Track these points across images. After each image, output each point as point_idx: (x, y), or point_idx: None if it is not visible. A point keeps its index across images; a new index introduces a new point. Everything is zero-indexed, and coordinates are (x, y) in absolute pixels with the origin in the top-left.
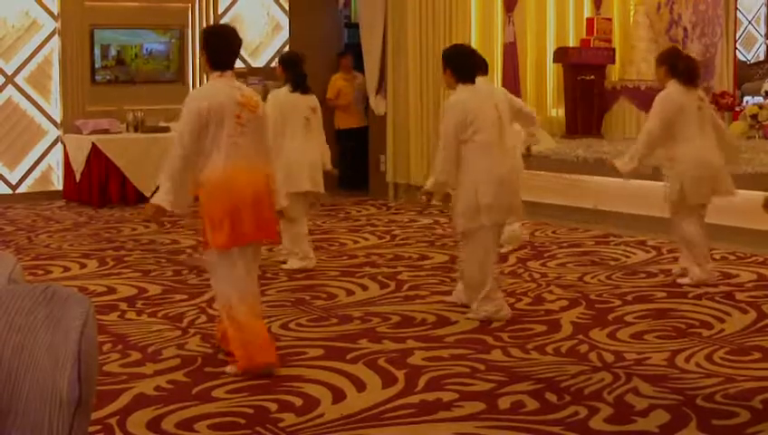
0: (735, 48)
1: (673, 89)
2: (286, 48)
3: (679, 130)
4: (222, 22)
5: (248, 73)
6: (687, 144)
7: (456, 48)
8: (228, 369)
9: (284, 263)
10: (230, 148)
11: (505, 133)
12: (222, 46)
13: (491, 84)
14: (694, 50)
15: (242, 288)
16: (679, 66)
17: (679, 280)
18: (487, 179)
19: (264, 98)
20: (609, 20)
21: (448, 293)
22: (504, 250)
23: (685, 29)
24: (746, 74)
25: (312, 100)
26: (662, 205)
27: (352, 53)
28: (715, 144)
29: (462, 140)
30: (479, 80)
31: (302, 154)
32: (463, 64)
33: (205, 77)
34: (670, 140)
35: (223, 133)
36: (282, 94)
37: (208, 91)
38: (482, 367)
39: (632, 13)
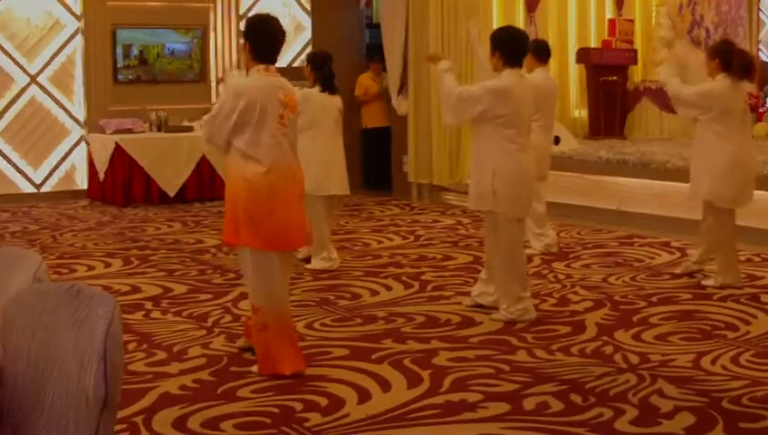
0: (758, 49)
1: (723, 84)
2: (308, 48)
3: (717, 127)
4: (243, 22)
5: None
6: (726, 143)
7: (506, 30)
8: (255, 368)
9: (308, 262)
10: (274, 149)
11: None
12: (268, 36)
13: (548, 73)
14: None
15: (274, 290)
16: (734, 62)
17: (704, 282)
18: (506, 170)
19: None
20: (631, 21)
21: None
22: (529, 251)
23: (707, 30)
24: None
25: (339, 100)
26: (687, 205)
27: (381, 58)
28: (753, 147)
29: (488, 121)
30: (538, 71)
31: (332, 156)
32: (512, 47)
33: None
34: (709, 136)
35: (265, 133)
36: (314, 95)
37: (251, 85)
38: (507, 368)
39: (654, 14)
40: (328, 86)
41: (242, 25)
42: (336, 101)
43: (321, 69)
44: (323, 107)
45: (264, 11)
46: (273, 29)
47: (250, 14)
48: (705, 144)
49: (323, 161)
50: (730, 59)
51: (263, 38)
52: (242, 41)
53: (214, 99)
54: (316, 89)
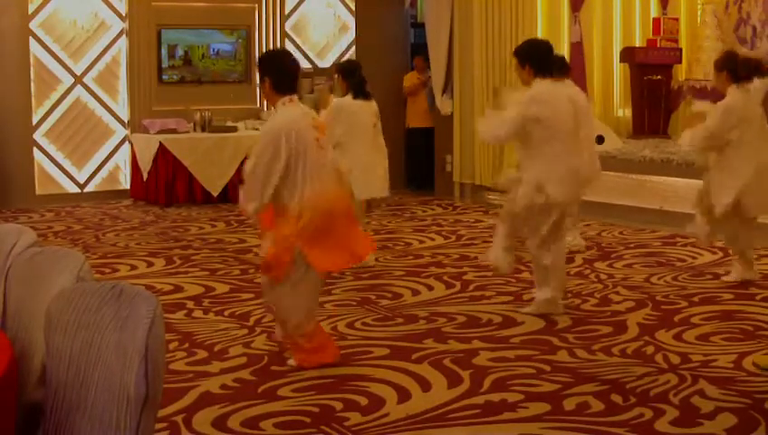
0: None
1: (735, 96)
2: (353, 48)
3: (741, 137)
4: (288, 22)
5: (314, 74)
6: (750, 150)
7: (534, 43)
8: (292, 362)
9: None
10: (321, 172)
11: (581, 127)
12: (287, 69)
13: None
14: (763, 48)
15: (311, 306)
16: (740, 72)
17: (724, 277)
18: (558, 170)
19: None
20: (676, 20)
21: (515, 293)
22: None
23: (753, 27)
24: None
25: (375, 105)
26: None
27: (424, 54)
28: None
29: (534, 129)
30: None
31: (372, 160)
32: (542, 58)
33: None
34: (730, 146)
35: (309, 160)
36: (347, 102)
37: (286, 120)
38: (547, 368)
39: (699, 12)
40: (361, 92)
41: (286, 25)
42: (372, 107)
43: (351, 77)
44: (357, 114)
45: (309, 11)
46: (289, 61)
47: (290, 18)
48: (729, 158)
49: (362, 167)
50: (735, 69)
51: (281, 71)
52: (258, 79)
53: (258, 100)
54: (348, 97)
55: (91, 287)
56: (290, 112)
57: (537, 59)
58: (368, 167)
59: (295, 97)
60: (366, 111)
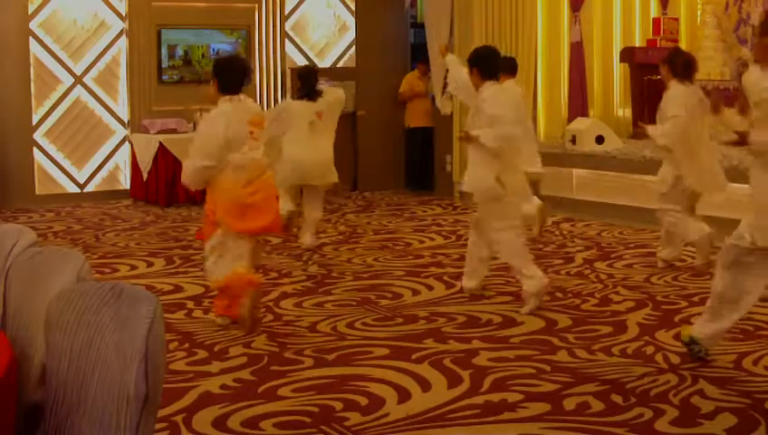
0: None
1: (677, 89)
2: (353, 48)
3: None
4: (288, 23)
5: None
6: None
7: (483, 50)
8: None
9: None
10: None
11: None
12: (234, 72)
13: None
14: None
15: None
16: (677, 63)
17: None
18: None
19: None
20: (676, 20)
21: (514, 293)
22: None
23: (753, 27)
24: None
25: (319, 105)
26: (729, 205)
27: (426, 59)
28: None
29: None
30: (508, 82)
31: (309, 152)
32: (490, 64)
33: (268, 83)
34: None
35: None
36: (288, 103)
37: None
38: (547, 368)
39: (699, 12)
40: (306, 94)
41: (286, 25)
42: (314, 107)
43: (304, 80)
44: (298, 112)
45: (309, 11)
46: (240, 66)
47: (290, 18)
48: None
49: (297, 158)
50: (674, 60)
51: (230, 74)
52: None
53: (257, 99)
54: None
55: (91, 287)
56: (227, 107)
57: (483, 65)
58: (298, 159)
59: (236, 97)
60: (305, 111)
